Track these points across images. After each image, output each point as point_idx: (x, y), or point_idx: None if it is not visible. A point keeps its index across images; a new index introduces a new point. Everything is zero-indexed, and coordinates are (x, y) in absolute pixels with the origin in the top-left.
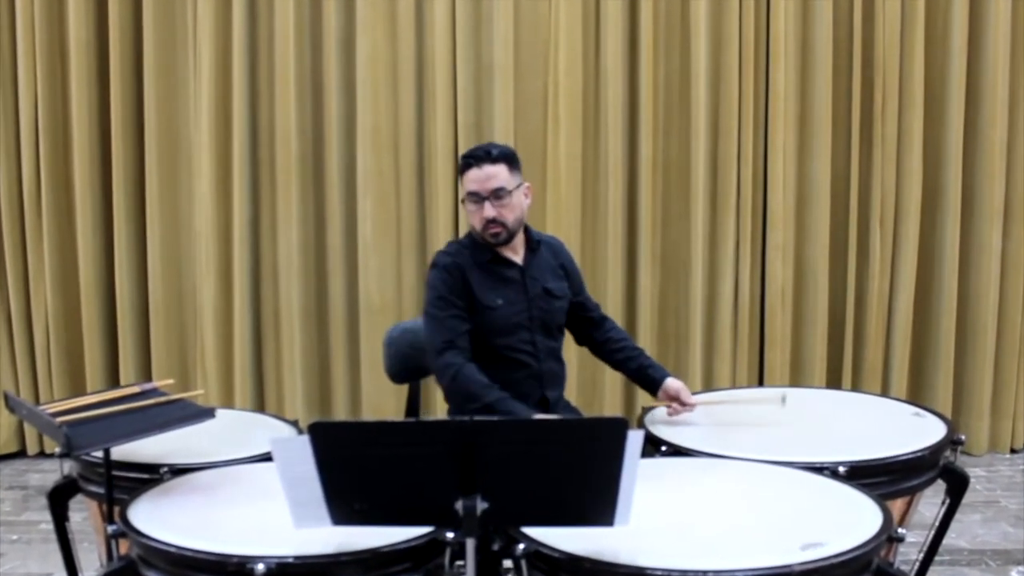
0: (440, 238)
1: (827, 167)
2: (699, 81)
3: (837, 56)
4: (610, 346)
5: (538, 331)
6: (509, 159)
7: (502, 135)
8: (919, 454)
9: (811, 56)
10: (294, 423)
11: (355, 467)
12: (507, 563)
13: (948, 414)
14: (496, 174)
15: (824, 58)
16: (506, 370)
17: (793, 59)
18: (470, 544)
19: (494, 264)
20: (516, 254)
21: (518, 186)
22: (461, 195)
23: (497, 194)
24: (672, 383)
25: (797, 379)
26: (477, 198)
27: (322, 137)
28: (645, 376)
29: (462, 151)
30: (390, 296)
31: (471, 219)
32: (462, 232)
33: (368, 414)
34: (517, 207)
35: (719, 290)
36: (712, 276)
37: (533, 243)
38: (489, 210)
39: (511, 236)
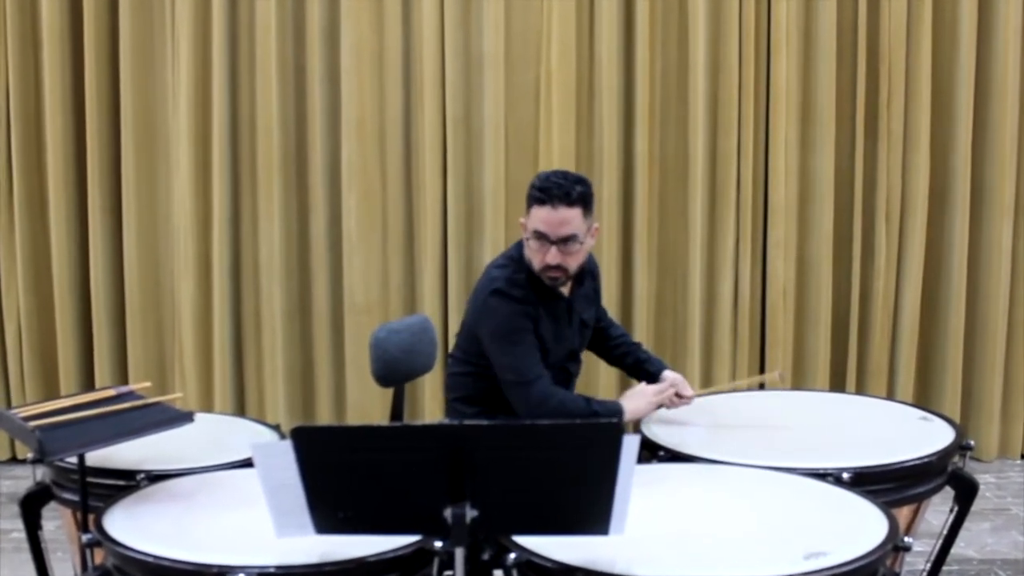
0: (428, 235)
1: (830, 161)
2: (697, 72)
3: (841, 46)
4: (607, 343)
5: (571, 359)
6: (586, 201)
7: (492, 128)
8: (926, 460)
9: (814, 46)
10: (276, 427)
11: (339, 473)
12: (498, 573)
13: (956, 418)
14: (570, 220)
15: (828, 48)
16: None
17: (795, 49)
18: (459, 553)
19: (547, 299)
20: (565, 287)
21: (588, 229)
22: (525, 225)
23: (567, 241)
24: (669, 375)
25: (799, 382)
26: (543, 239)
27: (305, 129)
28: (642, 370)
29: (450, 144)
30: (376, 295)
31: (530, 254)
32: (450, 230)
33: (353, 418)
34: (584, 252)
35: (718, 289)
36: (711, 275)
37: (581, 274)
38: (554, 256)
39: (569, 280)
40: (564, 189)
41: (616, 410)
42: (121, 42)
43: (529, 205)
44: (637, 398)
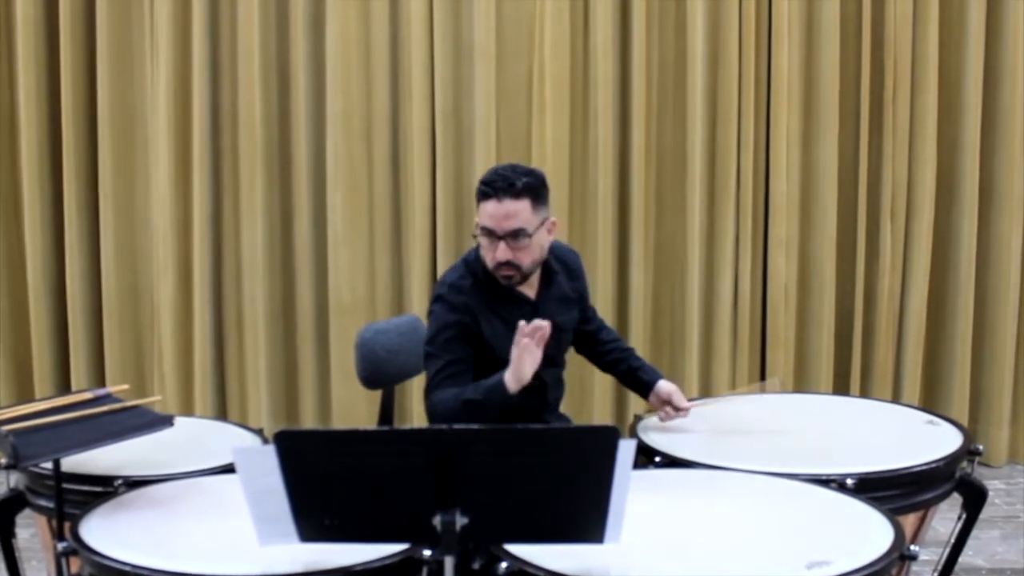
0: (416, 232)
1: (834, 155)
2: (696, 63)
3: (845, 36)
4: (598, 347)
5: (544, 366)
6: (535, 192)
7: (483, 121)
8: (933, 465)
9: (817, 36)
10: (259, 432)
11: (325, 479)
12: None
13: (964, 422)
14: (517, 212)
15: (831, 38)
16: (514, 406)
17: (797, 39)
18: (449, 563)
19: (505, 303)
20: (530, 288)
21: (542, 223)
22: (475, 224)
23: (515, 235)
24: (664, 386)
25: (802, 384)
26: (491, 235)
27: (289, 123)
28: (635, 379)
29: (440, 138)
30: (362, 294)
31: (483, 253)
32: (440, 227)
33: (338, 422)
34: (537, 248)
35: (717, 289)
36: (710, 273)
37: (550, 274)
38: (503, 252)
39: (525, 278)
40: (509, 180)
41: (496, 385)
42: (98, 33)
43: (477, 202)
44: (514, 368)
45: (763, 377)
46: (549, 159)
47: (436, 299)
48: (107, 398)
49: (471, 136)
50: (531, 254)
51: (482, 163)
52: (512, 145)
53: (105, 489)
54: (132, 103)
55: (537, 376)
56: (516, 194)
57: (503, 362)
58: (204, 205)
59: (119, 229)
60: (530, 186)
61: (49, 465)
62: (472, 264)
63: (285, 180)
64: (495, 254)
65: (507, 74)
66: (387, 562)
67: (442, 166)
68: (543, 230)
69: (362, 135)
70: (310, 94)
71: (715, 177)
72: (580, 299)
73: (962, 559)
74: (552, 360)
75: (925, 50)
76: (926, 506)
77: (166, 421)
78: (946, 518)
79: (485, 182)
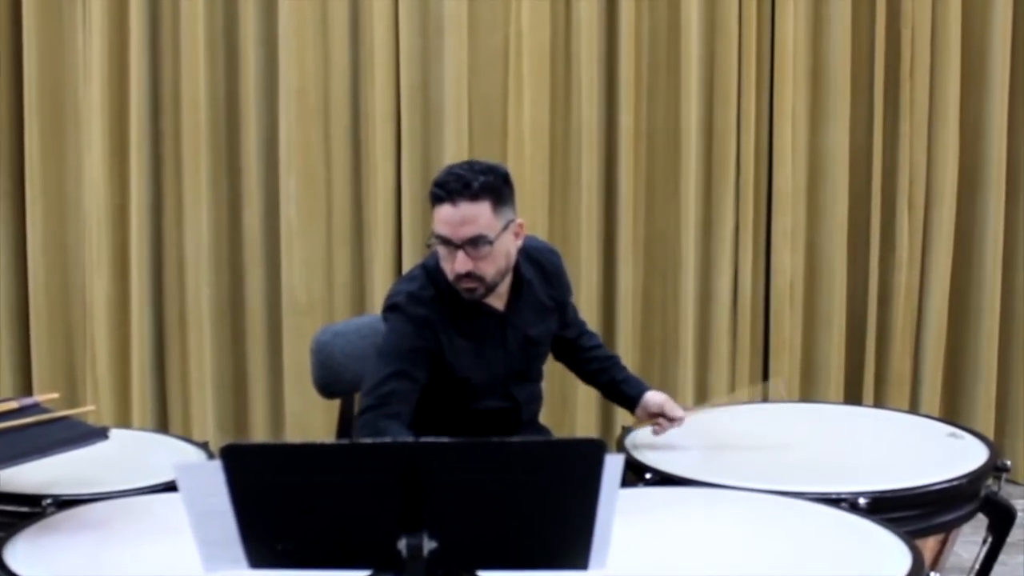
0: (379, 225)
1: (845, 138)
2: (691, 34)
3: (857, 3)
4: (578, 355)
5: (516, 382)
6: (495, 192)
7: (453, 100)
8: (955, 483)
9: (826, 3)
10: (203, 445)
11: (277, 498)
12: None
13: (990, 435)
14: (475, 217)
15: (842, 5)
16: (481, 429)
17: (804, 7)
18: None
19: (470, 316)
20: (499, 299)
21: (506, 227)
22: (430, 233)
23: (474, 242)
24: (653, 397)
25: (809, 392)
26: (448, 244)
27: (237, 102)
28: (619, 392)
29: (405, 118)
30: (319, 294)
31: (442, 263)
32: (405, 217)
33: (292, 434)
34: (501, 256)
35: (715, 286)
36: (706, 269)
37: (521, 281)
38: (463, 263)
39: (490, 291)
40: (464, 181)
41: None
42: (24, 1)
43: (431, 206)
44: None
45: (765, 379)
46: (527, 142)
47: (391, 308)
48: (34, 408)
49: (440, 117)
50: (494, 263)
51: (452, 147)
52: (486, 126)
53: (32, 509)
54: (62, 79)
55: (508, 395)
56: (473, 196)
57: (464, 382)
58: (142, 193)
59: (48, 219)
60: (489, 186)
61: None
62: (433, 272)
63: (233, 165)
64: (454, 265)
65: (480, 47)
66: None
67: (408, 150)
68: (507, 235)
69: (319, 115)
70: (260, 69)
71: (712, 162)
72: (558, 306)
73: None
74: (525, 375)
75: (946, 20)
76: (947, 528)
77: (100, 434)
78: (969, 541)
79: (438, 183)
